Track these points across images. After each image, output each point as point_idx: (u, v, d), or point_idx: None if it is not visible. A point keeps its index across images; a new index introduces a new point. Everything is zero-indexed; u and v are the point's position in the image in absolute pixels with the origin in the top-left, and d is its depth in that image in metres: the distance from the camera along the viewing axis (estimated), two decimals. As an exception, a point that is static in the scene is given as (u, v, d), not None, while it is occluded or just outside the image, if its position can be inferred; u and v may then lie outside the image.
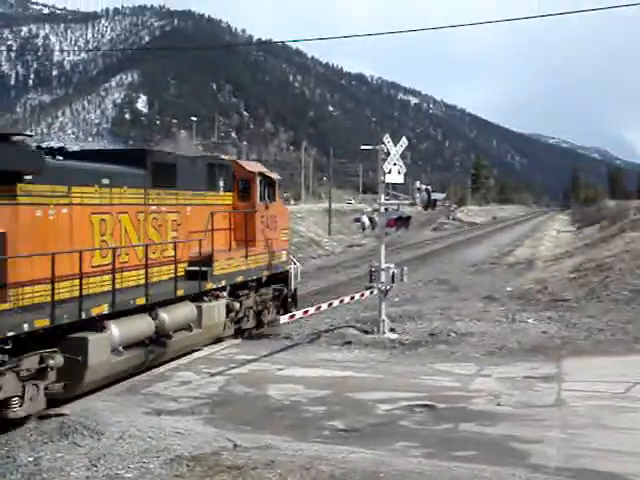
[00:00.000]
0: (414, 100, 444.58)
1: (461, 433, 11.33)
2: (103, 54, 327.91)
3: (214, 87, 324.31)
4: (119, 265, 13.82)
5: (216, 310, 17.25)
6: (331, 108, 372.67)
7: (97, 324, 12.99)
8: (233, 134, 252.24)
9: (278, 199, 21.15)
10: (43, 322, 11.59)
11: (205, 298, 16.86)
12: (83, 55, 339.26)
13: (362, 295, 20.55)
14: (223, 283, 17.54)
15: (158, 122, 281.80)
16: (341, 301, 20.67)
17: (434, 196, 24.07)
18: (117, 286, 13.50)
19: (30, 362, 11.55)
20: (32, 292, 11.77)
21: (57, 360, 11.96)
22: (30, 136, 15.25)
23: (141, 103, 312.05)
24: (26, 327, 11.26)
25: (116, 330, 13.42)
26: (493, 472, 9.46)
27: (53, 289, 11.79)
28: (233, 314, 18.45)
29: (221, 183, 18.39)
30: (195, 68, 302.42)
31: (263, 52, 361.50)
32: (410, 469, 9.63)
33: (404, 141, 20.08)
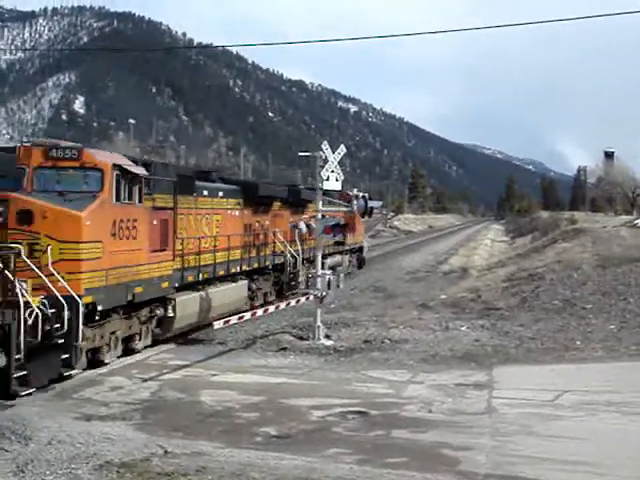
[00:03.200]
0: (354, 108, 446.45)
1: (393, 440, 11.41)
2: (40, 54, 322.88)
3: (153, 90, 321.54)
4: None
5: (347, 258, 37.71)
6: (271, 114, 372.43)
7: (326, 257, 29.64)
8: (172, 138, 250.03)
9: (374, 213, 44.47)
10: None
11: (342, 253, 35.66)
12: (20, 54, 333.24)
13: (298, 301, 20.61)
14: (347, 248, 36.16)
15: (95, 124, 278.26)
16: (277, 307, 20.70)
17: (371, 204, 24.30)
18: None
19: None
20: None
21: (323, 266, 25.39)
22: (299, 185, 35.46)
23: (78, 104, 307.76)
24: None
25: (328, 260, 31.06)
26: (424, 479, 9.55)
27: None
28: (347, 262, 37.86)
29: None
30: (134, 70, 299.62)
31: (203, 56, 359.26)
32: (342, 475, 9.65)
33: (342, 148, 20.23)
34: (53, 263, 13.92)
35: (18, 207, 14.21)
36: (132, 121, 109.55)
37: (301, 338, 19.33)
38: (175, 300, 18.45)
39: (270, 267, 26.26)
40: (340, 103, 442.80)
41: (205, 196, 20.81)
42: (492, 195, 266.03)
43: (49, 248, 13.98)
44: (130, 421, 12.15)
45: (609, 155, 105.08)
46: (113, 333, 16.30)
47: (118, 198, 15.76)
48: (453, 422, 12.26)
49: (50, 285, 13.62)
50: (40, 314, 12.88)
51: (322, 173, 19.46)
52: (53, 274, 13.82)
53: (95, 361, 15.87)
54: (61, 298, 13.57)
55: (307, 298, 20.06)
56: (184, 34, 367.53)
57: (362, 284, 33.96)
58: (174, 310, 18.40)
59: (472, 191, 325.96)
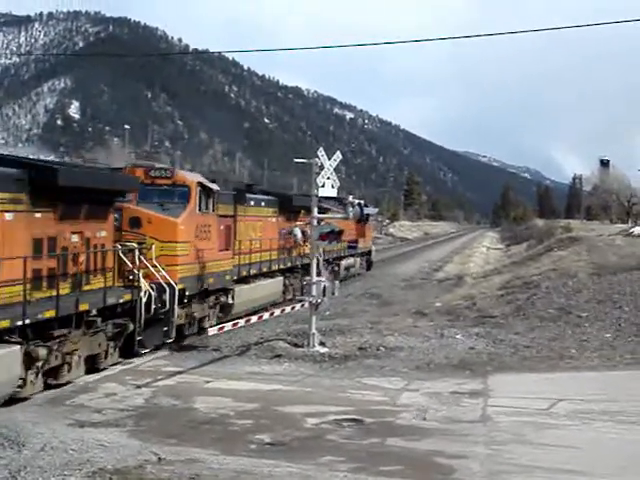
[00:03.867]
0: (349, 115, 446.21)
1: (388, 448, 11.38)
2: (36, 58, 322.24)
3: (148, 95, 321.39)
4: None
5: (359, 261, 43.10)
6: (267, 120, 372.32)
7: (342, 259, 37.98)
8: (167, 143, 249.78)
9: (370, 220, 45.14)
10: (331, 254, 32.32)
11: (354, 256, 41.18)
12: (15, 59, 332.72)
13: (293, 308, 20.57)
14: (359, 252, 41.75)
15: (90, 129, 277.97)
16: (272, 314, 20.65)
17: (367, 211, 24.33)
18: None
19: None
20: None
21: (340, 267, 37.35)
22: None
23: (73, 109, 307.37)
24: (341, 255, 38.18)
25: (344, 262, 38.45)
26: (418, 487, 9.52)
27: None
28: (359, 264, 43.30)
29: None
30: (130, 76, 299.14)
31: (199, 61, 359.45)
32: (336, 484, 9.63)
33: (338, 155, 20.22)
34: (156, 258, 17.98)
35: (129, 215, 18.40)
36: (127, 126, 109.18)
37: (296, 345, 19.27)
38: (234, 290, 22.79)
39: (299, 266, 29.90)
40: (336, 110, 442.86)
41: (252, 205, 25.29)
42: (488, 202, 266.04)
43: (153, 246, 18.09)
44: (124, 428, 12.10)
45: (605, 163, 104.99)
46: (192, 314, 20.42)
47: (200, 208, 20.19)
48: (448, 430, 12.24)
49: (156, 274, 17.74)
50: (153, 295, 17.33)
51: (318, 180, 19.44)
52: (156, 266, 17.88)
53: (179, 335, 19.78)
54: (163, 284, 17.78)
55: (302, 305, 20.02)
56: (180, 39, 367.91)
57: (357, 291, 33.95)
58: (233, 298, 22.69)
59: (468, 198, 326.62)
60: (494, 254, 66.61)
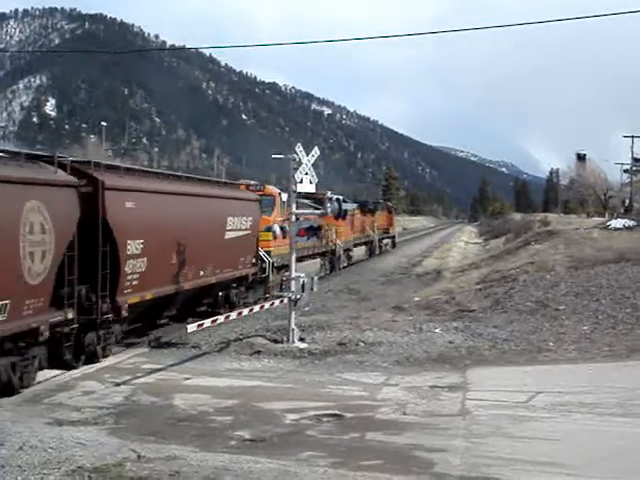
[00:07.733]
0: (327, 111, 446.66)
1: (367, 442, 11.39)
2: (11, 56, 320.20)
3: (125, 92, 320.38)
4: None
5: (390, 241, 66.73)
6: (244, 116, 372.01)
7: (383, 239, 63.00)
8: (144, 140, 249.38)
9: (393, 212, 73.64)
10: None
11: (387, 238, 65.75)
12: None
13: (272, 304, 20.53)
14: (390, 235, 66.91)
15: (67, 126, 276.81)
16: (251, 310, 20.60)
17: (345, 206, 24.31)
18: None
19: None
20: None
21: (382, 243, 63.54)
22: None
23: (50, 107, 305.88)
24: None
25: (384, 242, 63.92)
26: (398, 481, 9.53)
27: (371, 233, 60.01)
28: (391, 243, 67.37)
29: (385, 208, 68.09)
30: (106, 72, 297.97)
31: (176, 58, 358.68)
32: (316, 479, 9.64)
33: (316, 151, 20.21)
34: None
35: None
36: (104, 123, 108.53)
37: (275, 341, 19.27)
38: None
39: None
40: (314, 105, 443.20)
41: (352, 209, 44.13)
42: (466, 197, 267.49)
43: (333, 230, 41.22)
44: (103, 426, 12.05)
45: (581, 157, 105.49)
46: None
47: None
48: (427, 424, 12.27)
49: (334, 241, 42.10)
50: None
51: (296, 175, 19.43)
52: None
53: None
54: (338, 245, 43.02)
55: (281, 301, 20.00)
56: (157, 36, 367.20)
57: (336, 287, 33.94)
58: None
59: (446, 193, 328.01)
60: (472, 248, 66.85)
